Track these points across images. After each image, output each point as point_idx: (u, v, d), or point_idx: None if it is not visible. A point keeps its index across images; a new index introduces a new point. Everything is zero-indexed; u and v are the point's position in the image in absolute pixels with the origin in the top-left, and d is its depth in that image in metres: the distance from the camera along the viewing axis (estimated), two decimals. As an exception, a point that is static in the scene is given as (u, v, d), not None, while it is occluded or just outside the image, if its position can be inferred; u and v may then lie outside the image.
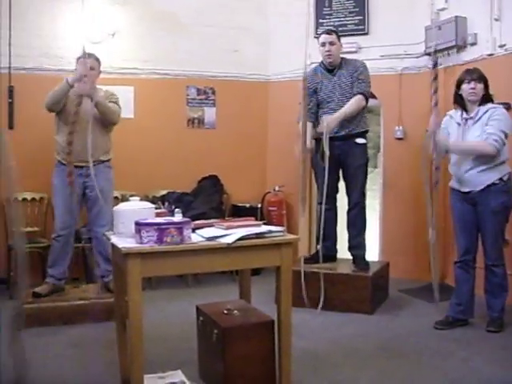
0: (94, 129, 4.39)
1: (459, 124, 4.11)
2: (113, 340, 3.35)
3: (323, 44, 4.75)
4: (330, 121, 4.52)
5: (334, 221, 4.95)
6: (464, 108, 4.10)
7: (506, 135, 3.96)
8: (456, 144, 4.08)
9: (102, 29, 5.74)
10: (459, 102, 4.13)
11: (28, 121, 5.47)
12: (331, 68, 4.80)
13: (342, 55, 4.86)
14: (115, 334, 3.26)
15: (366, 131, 4.88)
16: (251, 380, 2.97)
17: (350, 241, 4.91)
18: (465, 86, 4.05)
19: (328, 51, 4.73)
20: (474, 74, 4.06)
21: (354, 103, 4.66)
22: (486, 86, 4.05)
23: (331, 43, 4.72)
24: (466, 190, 4.08)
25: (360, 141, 4.79)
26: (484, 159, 3.96)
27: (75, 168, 4.44)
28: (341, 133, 4.69)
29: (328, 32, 4.80)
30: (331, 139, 4.42)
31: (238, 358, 2.93)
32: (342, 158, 4.72)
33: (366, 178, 4.85)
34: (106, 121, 4.52)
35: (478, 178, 4.01)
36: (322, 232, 4.31)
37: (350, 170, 4.78)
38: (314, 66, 4.92)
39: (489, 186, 3.99)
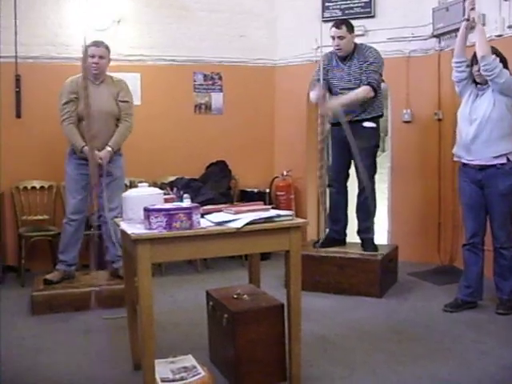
0: (106, 121, 4.45)
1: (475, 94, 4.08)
2: (124, 326, 3.38)
3: (333, 38, 4.70)
4: (334, 101, 4.68)
5: (343, 205, 4.95)
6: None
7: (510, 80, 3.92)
8: (481, 33, 3.98)
9: (107, 16, 5.71)
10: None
11: (36, 109, 5.48)
12: (343, 57, 4.78)
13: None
14: (126, 320, 3.29)
15: (379, 116, 4.84)
16: (261, 363, 2.99)
17: (358, 225, 4.91)
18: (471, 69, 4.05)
19: (337, 45, 4.69)
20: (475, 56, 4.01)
21: (360, 92, 4.63)
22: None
23: (340, 37, 4.66)
24: (472, 158, 4.04)
25: (367, 124, 4.75)
26: (492, 127, 3.93)
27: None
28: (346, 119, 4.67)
29: (337, 26, 4.69)
30: (337, 124, 4.63)
31: (248, 342, 2.95)
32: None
33: (374, 161, 4.82)
34: None
35: (485, 149, 3.97)
36: (328, 214, 4.30)
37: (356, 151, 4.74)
38: (330, 50, 4.89)
39: (496, 167, 3.97)
